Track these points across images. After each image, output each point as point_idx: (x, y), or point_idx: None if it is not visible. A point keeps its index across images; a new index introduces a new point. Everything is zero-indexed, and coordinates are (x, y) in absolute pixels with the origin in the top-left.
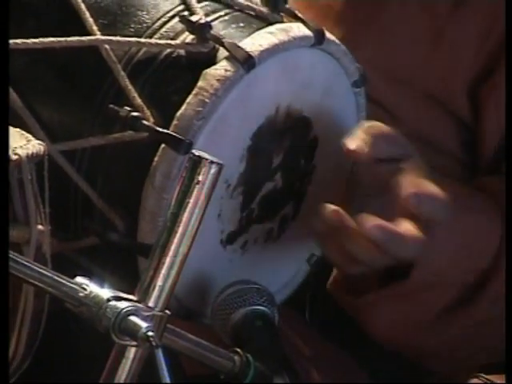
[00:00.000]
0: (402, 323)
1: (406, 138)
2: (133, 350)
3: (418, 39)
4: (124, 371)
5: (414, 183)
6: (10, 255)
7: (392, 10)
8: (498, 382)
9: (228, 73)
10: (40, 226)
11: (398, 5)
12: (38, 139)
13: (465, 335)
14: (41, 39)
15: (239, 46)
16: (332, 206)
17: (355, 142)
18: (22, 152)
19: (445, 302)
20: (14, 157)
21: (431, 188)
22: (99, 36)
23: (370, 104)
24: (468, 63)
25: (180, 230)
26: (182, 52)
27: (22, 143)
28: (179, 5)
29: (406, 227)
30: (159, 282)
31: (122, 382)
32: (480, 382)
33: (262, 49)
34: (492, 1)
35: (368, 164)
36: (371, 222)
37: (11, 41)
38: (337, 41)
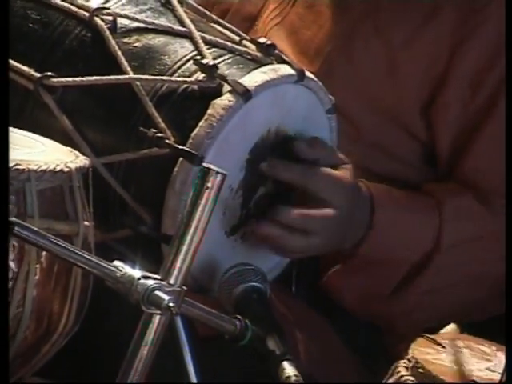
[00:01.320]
0: (364, 294)
1: (367, 151)
2: (157, 317)
3: (378, 67)
4: (151, 334)
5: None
6: (64, 244)
7: (358, 45)
8: (441, 340)
9: (231, 103)
10: (86, 222)
11: (363, 40)
12: (84, 155)
13: (416, 302)
14: (87, 78)
15: (239, 82)
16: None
17: None
18: (72, 165)
19: (398, 277)
20: (66, 169)
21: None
22: (132, 75)
23: (340, 117)
24: (419, 86)
25: (194, 224)
26: (195, 87)
27: (72, 158)
28: (193, 51)
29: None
30: (178, 265)
31: (149, 342)
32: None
33: (256, 84)
34: (438, 36)
35: None
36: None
37: (65, 79)
38: (314, 78)
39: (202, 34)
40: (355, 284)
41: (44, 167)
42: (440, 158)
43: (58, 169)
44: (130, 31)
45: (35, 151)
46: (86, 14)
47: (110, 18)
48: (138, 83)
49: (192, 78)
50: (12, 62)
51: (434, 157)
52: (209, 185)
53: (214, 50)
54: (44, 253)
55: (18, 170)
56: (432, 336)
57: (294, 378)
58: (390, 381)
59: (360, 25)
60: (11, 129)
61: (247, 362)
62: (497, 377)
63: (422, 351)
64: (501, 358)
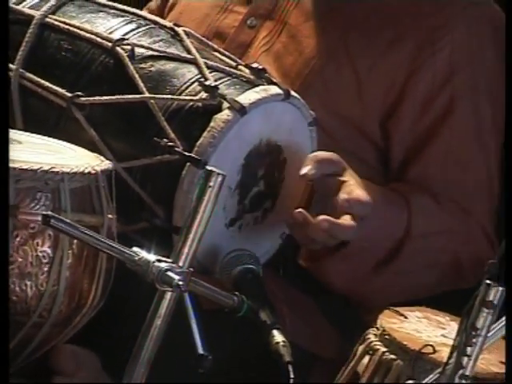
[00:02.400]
0: (349, 277)
1: (340, 156)
2: (169, 294)
3: (347, 88)
4: (164, 307)
5: (346, 191)
6: (91, 234)
7: (331, 69)
8: (404, 312)
9: (229, 117)
10: (110, 216)
11: (335, 65)
12: (108, 160)
13: (388, 282)
14: (110, 97)
15: (236, 100)
16: (298, 209)
17: (305, 168)
18: (98, 168)
19: (375, 261)
20: (93, 171)
21: (359, 193)
22: (147, 95)
23: (317, 129)
24: (379, 104)
25: (199, 217)
26: (199, 104)
27: (98, 163)
28: (197, 74)
29: (344, 219)
30: (186, 250)
31: (162, 315)
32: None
33: (250, 102)
34: (397, 63)
35: (320, 179)
36: (321, 217)
37: (92, 98)
38: (298, 96)
39: (205, 61)
40: (342, 268)
41: (75, 170)
42: (393, 163)
43: (86, 171)
44: (145, 58)
45: (68, 156)
46: (109, 44)
47: (129, 47)
48: (152, 101)
49: (197, 97)
50: (48, 84)
51: (387, 160)
52: (211, 184)
53: (215, 73)
54: (75, 241)
55: (53, 172)
56: (396, 308)
57: (282, 344)
58: (362, 346)
59: (332, 52)
60: (49, 139)
61: (243, 331)
62: (450, 342)
63: (388, 321)
64: (453, 326)
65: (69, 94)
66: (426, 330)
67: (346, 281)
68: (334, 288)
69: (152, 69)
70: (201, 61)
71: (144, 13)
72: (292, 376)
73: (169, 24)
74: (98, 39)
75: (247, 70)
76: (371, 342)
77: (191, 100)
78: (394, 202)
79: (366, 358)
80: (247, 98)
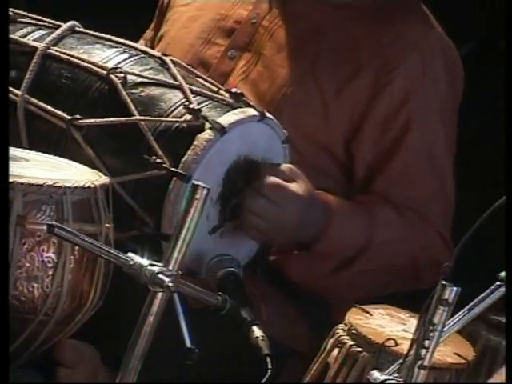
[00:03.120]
0: (306, 275)
1: (308, 171)
2: (160, 294)
3: (314, 112)
4: (155, 306)
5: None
6: (90, 241)
7: (300, 95)
8: (369, 309)
9: (211, 136)
10: (107, 225)
11: (304, 91)
12: (105, 175)
13: (349, 281)
14: (105, 119)
15: (217, 121)
16: None
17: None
18: (97, 183)
19: (336, 263)
20: (92, 186)
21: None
22: (138, 117)
23: (290, 148)
24: (343, 126)
25: (186, 226)
26: (184, 125)
27: (96, 178)
28: (183, 98)
29: None
30: (175, 255)
31: (154, 313)
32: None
33: (230, 122)
34: (359, 90)
35: None
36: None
37: (89, 120)
38: (272, 117)
39: (190, 86)
40: (302, 268)
41: (76, 184)
42: (356, 178)
43: (86, 186)
44: (136, 84)
45: (69, 173)
46: (104, 72)
47: (122, 75)
48: (142, 123)
49: (182, 119)
50: (50, 108)
51: (352, 176)
52: (197, 197)
53: (198, 97)
54: (76, 247)
55: (57, 186)
56: (362, 306)
57: (260, 338)
58: (331, 340)
59: (302, 80)
60: (52, 156)
61: (226, 328)
62: (410, 336)
63: (355, 317)
64: (413, 322)
65: (68, 117)
66: (389, 325)
67: (306, 280)
68: (301, 285)
69: (142, 94)
70: (185, 86)
71: (136, 44)
72: (270, 367)
73: (157, 54)
74: (95, 68)
75: (227, 95)
76: (340, 336)
77: (177, 121)
78: (358, 212)
79: (336, 351)
80: (227, 119)
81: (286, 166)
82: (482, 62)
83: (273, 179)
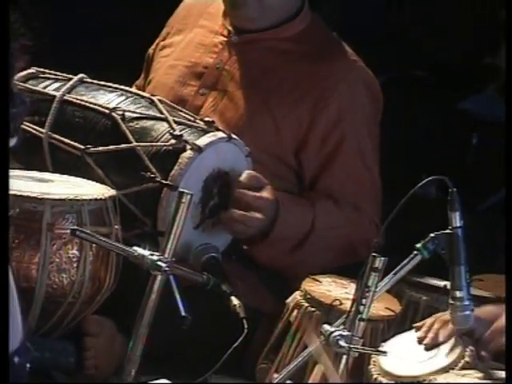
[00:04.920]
0: (270, 256)
1: (266, 177)
2: (159, 276)
3: (269, 132)
4: (156, 285)
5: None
6: (104, 239)
7: (257, 120)
8: (318, 278)
9: (191, 155)
10: (116, 226)
11: (259, 117)
12: (112, 189)
13: (301, 260)
14: (110, 147)
15: (195, 143)
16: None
17: (242, 178)
18: (107, 195)
19: (290, 246)
20: (103, 197)
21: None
22: (135, 143)
23: (252, 160)
24: (291, 142)
25: (176, 224)
26: (170, 147)
27: (106, 191)
28: (168, 127)
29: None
30: (169, 246)
31: (155, 291)
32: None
33: (205, 143)
34: (303, 113)
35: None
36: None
37: (97, 148)
38: (237, 138)
39: (173, 118)
40: (267, 252)
41: (91, 197)
42: (305, 180)
43: (98, 197)
44: (132, 119)
45: (85, 189)
46: (107, 111)
47: (121, 112)
48: (138, 148)
49: (168, 143)
50: (68, 140)
51: (302, 178)
52: (183, 201)
53: (180, 126)
54: (94, 245)
55: (77, 199)
56: (313, 276)
57: (237, 305)
58: (292, 303)
59: (258, 109)
60: (71, 177)
61: (210, 299)
62: (351, 296)
63: (308, 285)
64: (353, 286)
65: (82, 147)
66: (335, 289)
67: (269, 260)
68: (262, 263)
69: (137, 126)
70: (170, 118)
71: (130, 88)
72: (246, 326)
73: (147, 95)
74: (100, 108)
75: (201, 123)
76: (298, 300)
77: (165, 145)
78: (303, 205)
79: (295, 311)
80: (203, 141)
81: (253, 174)
82: (397, 87)
83: (250, 193)
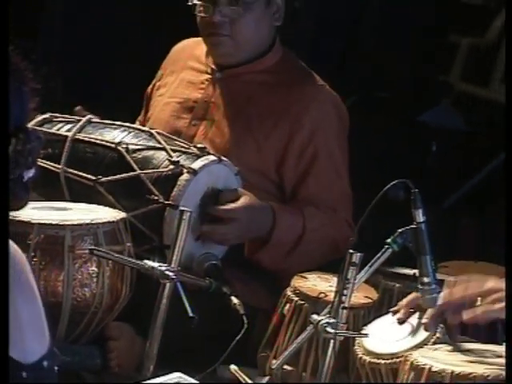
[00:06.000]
0: (271, 260)
1: (252, 191)
2: (168, 284)
3: (252, 152)
4: (166, 292)
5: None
6: (118, 255)
7: (241, 144)
8: (305, 275)
9: (188, 177)
10: (128, 244)
11: (243, 140)
12: (122, 212)
13: (295, 260)
14: (117, 176)
15: (191, 167)
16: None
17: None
18: (118, 218)
19: (287, 249)
20: (115, 220)
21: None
22: (139, 171)
23: (240, 178)
24: (272, 159)
25: (179, 237)
26: (170, 172)
27: (118, 214)
28: (166, 155)
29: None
30: (174, 257)
31: (165, 297)
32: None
33: (199, 166)
34: (281, 133)
35: None
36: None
37: (106, 178)
38: (226, 160)
39: (170, 147)
40: (267, 255)
41: (105, 220)
42: (286, 191)
43: (111, 220)
44: (135, 150)
45: (99, 213)
46: (113, 145)
47: (125, 145)
48: (142, 175)
49: (167, 168)
50: (81, 173)
51: (283, 190)
52: (184, 218)
53: (176, 153)
54: (110, 261)
55: (93, 223)
56: (301, 274)
57: (237, 304)
58: (284, 299)
59: (242, 134)
60: (86, 204)
61: (212, 301)
62: (334, 289)
63: (297, 282)
64: (335, 280)
65: (93, 178)
66: (320, 284)
67: (270, 263)
68: (265, 267)
69: (140, 156)
70: (167, 147)
71: (132, 124)
72: (246, 322)
73: (146, 129)
74: (107, 144)
75: (195, 149)
76: (289, 295)
77: (164, 171)
78: (294, 212)
79: (287, 305)
80: (197, 164)
81: (230, 189)
82: (365, 107)
83: (220, 208)
